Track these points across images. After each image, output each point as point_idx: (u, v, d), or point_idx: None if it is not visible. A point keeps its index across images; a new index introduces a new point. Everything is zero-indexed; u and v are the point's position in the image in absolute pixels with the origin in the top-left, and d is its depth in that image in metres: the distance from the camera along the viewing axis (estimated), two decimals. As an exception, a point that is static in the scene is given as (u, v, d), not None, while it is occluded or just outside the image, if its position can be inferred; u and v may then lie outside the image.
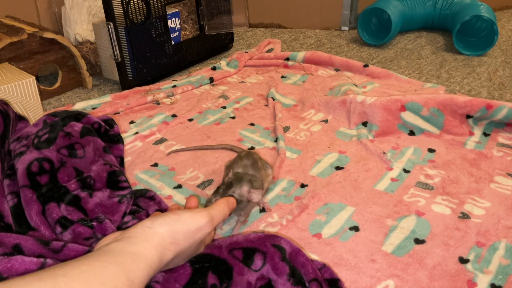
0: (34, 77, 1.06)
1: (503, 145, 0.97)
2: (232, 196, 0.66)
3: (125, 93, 1.25)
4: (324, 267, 0.58)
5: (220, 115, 1.14)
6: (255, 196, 0.68)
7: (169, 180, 0.88)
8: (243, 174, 0.71)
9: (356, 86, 1.22)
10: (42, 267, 0.47)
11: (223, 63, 1.44)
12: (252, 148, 0.98)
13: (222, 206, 0.53)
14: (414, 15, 1.71)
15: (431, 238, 0.71)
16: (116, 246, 0.41)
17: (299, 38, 1.78)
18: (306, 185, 0.85)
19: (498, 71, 1.40)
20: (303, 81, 1.33)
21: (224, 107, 1.18)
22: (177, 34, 1.43)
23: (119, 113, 1.15)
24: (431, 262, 0.67)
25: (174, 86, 1.30)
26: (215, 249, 0.53)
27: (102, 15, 1.41)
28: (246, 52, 1.52)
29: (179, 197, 0.83)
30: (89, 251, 0.52)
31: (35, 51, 1.22)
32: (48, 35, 1.20)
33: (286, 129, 1.06)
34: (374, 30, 1.70)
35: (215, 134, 1.05)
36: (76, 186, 0.67)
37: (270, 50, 1.57)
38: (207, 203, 0.68)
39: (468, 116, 1.00)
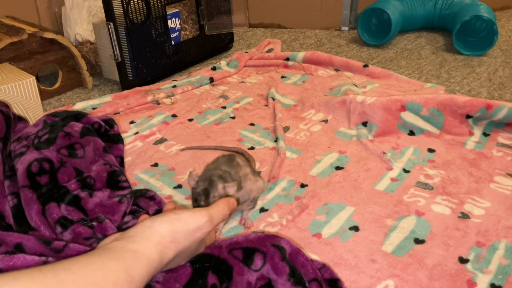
0: (34, 77, 1.06)
1: (503, 145, 0.97)
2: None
3: (125, 93, 1.25)
4: (324, 267, 0.58)
5: (220, 115, 1.14)
6: (230, 189, 0.66)
7: (169, 180, 0.88)
8: (211, 174, 0.68)
9: (356, 86, 1.22)
10: (43, 265, 0.47)
11: (223, 63, 1.44)
12: (252, 148, 0.99)
13: (222, 206, 0.53)
14: (414, 15, 1.71)
15: (431, 238, 0.72)
16: (117, 245, 0.42)
17: (299, 38, 1.78)
18: (306, 185, 0.85)
19: (498, 71, 1.40)
20: (303, 81, 1.33)
21: (224, 107, 1.18)
22: (177, 34, 1.44)
23: (119, 113, 1.15)
24: (431, 262, 0.67)
25: (174, 86, 1.30)
26: (215, 249, 0.53)
27: (102, 15, 1.41)
28: (246, 52, 1.52)
29: (179, 197, 0.83)
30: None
31: (35, 51, 1.22)
32: (48, 35, 1.20)
33: (286, 129, 1.06)
34: (374, 30, 1.70)
35: (215, 134, 1.05)
36: (76, 186, 0.67)
37: (270, 50, 1.57)
38: None
39: (468, 116, 1.00)
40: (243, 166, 0.73)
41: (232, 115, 1.14)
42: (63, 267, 0.36)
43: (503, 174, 0.87)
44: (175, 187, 0.85)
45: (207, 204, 0.64)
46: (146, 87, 1.29)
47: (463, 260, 0.67)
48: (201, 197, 0.65)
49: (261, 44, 1.62)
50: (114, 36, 1.24)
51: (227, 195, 0.66)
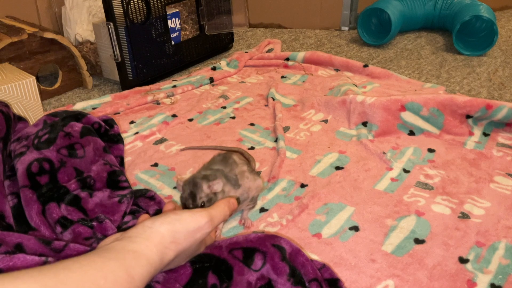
0: (34, 77, 1.06)
1: (503, 145, 0.97)
2: (203, 204, 0.65)
3: (125, 93, 1.25)
4: (324, 267, 0.58)
5: (220, 115, 1.14)
6: (215, 186, 0.66)
7: (169, 180, 0.88)
8: (193, 178, 0.67)
9: (356, 86, 1.22)
10: (43, 265, 0.47)
11: (223, 63, 1.44)
12: (252, 148, 0.99)
13: (223, 206, 0.53)
14: (414, 15, 1.71)
15: (431, 238, 0.72)
16: (117, 245, 0.42)
17: (299, 38, 1.78)
18: (306, 185, 0.85)
19: (498, 71, 1.40)
20: (303, 81, 1.33)
21: (224, 107, 1.18)
22: (177, 34, 1.44)
23: (119, 113, 1.15)
24: (431, 262, 0.67)
25: (174, 86, 1.30)
26: (215, 249, 0.53)
27: (102, 15, 1.41)
28: (246, 52, 1.52)
29: (179, 197, 0.83)
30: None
31: (35, 51, 1.22)
32: (48, 35, 1.20)
33: (286, 129, 1.06)
34: (374, 30, 1.70)
35: (215, 134, 1.05)
36: (76, 186, 0.67)
37: (270, 50, 1.57)
38: None
39: (468, 116, 1.00)
40: (240, 164, 0.73)
41: (232, 115, 1.14)
42: (63, 266, 0.36)
43: (503, 174, 0.87)
44: (175, 187, 0.85)
45: (195, 206, 0.65)
46: (146, 87, 1.29)
47: (463, 260, 0.67)
48: (188, 201, 0.65)
49: (261, 44, 1.62)
50: (114, 36, 1.24)
51: (215, 193, 0.66)
